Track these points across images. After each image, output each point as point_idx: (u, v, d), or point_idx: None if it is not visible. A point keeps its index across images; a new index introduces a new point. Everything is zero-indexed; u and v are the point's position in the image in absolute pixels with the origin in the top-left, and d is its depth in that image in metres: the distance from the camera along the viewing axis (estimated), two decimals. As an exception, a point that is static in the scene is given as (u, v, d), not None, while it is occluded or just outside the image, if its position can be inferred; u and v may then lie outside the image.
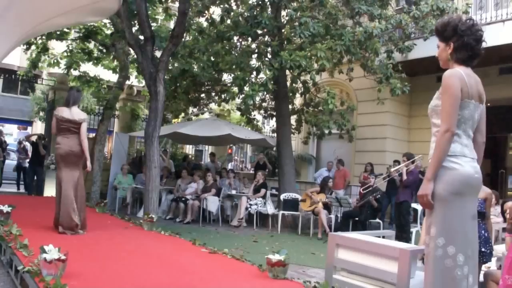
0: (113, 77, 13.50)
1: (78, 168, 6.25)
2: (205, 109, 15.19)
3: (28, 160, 13.25)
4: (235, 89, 10.31)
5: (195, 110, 15.19)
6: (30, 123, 23.70)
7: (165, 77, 9.69)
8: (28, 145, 13.76)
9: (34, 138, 12.42)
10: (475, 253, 2.70)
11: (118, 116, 15.63)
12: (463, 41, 2.77)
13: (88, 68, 13.26)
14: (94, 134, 14.50)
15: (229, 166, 17.52)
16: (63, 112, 6.20)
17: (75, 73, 13.13)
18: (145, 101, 15.93)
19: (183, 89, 12.35)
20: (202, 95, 13.57)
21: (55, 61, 12.84)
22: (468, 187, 2.69)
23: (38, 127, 21.98)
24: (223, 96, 12.77)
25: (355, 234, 4.71)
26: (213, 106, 15.55)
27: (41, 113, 19.01)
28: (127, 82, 13.31)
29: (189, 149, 18.86)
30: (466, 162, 2.72)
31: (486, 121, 2.89)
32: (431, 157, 2.71)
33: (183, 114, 14.45)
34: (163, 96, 8.66)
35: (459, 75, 2.72)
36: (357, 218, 9.31)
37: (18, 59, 22.22)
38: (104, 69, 13.61)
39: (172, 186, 11.87)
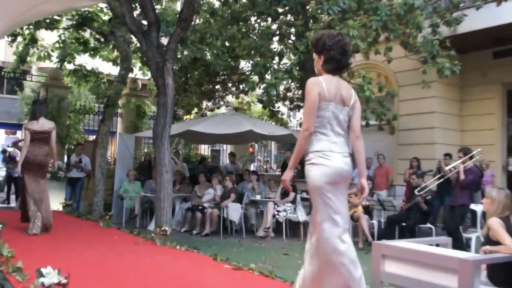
0: (114, 70, 13.57)
1: (44, 174, 8.09)
2: (221, 103, 15.25)
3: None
4: (255, 78, 10.29)
5: (209, 104, 15.24)
6: (19, 126, 24.06)
7: (174, 67, 9.72)
8: (17, 152, 13.96)
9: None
10: (346, 221, 3.69)
11: (122, 115, 15.81)
12: (330, 54, 3.73)
13: (85, 60, 13.35)
14: (94, 137, 14.68)
15: (252, 168, 17.52)
16: (33, 125, 7.93)
17: (69, 66, 13.25)
18: (151, 96, 16.04)
19: (195, 81, 12.40)
20: (217, 86, 13.61)
21: (46, 54, 12.92)
22: (339, 177, 3.64)
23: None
24: (241, 86, 12.79)
25: (403, 242, 4.62)
26: (230, 98, 15.57)
27: None
28: (130, 75, 13.36)
29: (204, 150, 18.96)
30: (335, 156, 3.66)
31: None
32: (294, 151, 3.74)
33: (196, 110, 14.50)
34: (172, 89, 8.67)
35: (317, 82, 3.67)
36: (404, 224, 9.21)
37: (2, 53, 22.61)
38: (103, 61, 13.72)
39: (187, 193, 11.93)
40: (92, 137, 15.98)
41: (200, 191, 11.61)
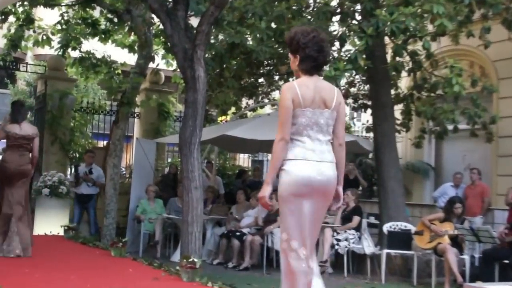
0: (130, 59, 13.76)
1: (25, 186, 8.64)
2: (266, 100, 15.27)
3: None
4: (309, 68, 10.19)
5: (251, 102, 15.29)
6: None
7: (206, 55, 9.77)
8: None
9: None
10: (312, 246, 4.39)
11: (140, 115, 16.00)
12: (306, 53, 4.35)
13: (94, 46, 13.46)
14: (105, 143, 14.89)
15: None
16: (15, 128, 8.40)
17: (74, 54, 13.38)
18: (177, 92, 16.18)
19: (232, 73, 12.46)
20: (261, 79, 13.62)
21: (45, 37, 13.06)
22: (307, 188, 4.25)
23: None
24: (291, 80, 12.69)
25: (506, 285, 4.52)
26: (277, 95, 15.59)
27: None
28: (151, 65, 13.44)
29: (244, 160, 19.04)
30: (307, 165, 4.27)
31: None
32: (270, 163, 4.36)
33: (233, 109, 14.55)
34: (204, 83, 8.72)
35: (290, 89, 4.34)
36: (506, 261, 9.02)
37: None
38: (116, 47, 13.86)
39: (222, 215, 12.00)
40: (102, 143, 16.22)
41: (238, 213, 11.67)
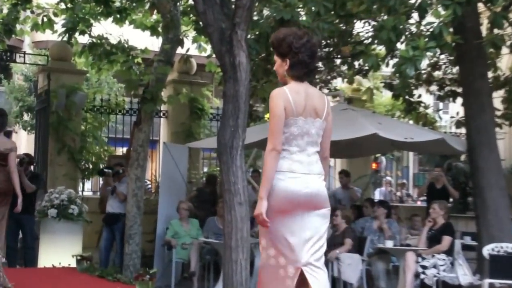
0: (153, 43, 13.85)
1: (5, 208, 9.54)
2: (325, 91, 15.12)
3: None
4: (380, 49, 10.19)
5: None
6: (6, 134, 24.93)
7: (249, 36, 9.81)
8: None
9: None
10: (302, 262, 4.88)
11: (167, 114, 16.19)
12: (298, 58, 4.95)
13: (107, 29, 13.37)
14: (124, 150, 15.12)
15: (377, 195, 17.38)
16: None
17: (82, 39, 13.41)
18: (214, 84, 16.25)
19: None
20: (318, 64, 13.58)
21: (46, 19, 13.09)
22: (292, 203, 4.86)
23: (21, 142, 22.94)
24: (357, 64, 12.74)
25: None
26: (339, 84, 15.56)
27: (26, 116, 19.91)
28: (179, 51, 13.48)
29: (299, 168, 18.95)
30: (292, 178, 4.89)
31: None
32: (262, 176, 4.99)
33: (284, 103, 14.53)
34: (247, 71, 8.68)
35: (282, 95, 4.91)
36: None
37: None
38: (135, 30, 13.92)
39: None
40: (121, 150, 16.45)
41: None
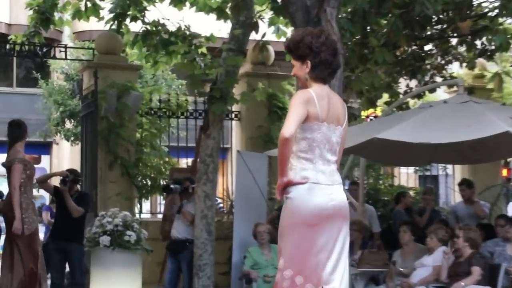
0: (221, 29, 14.05)
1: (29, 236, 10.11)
2: (438, 80, 15.11)
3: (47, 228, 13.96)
4: (510, 23, 9.78)
5: (413, 84, 15.22)
6: (45, 147, 25.14)
7: (340, 14, 9.64)
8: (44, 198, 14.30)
9: (57, 182, 12.90)
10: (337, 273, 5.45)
11: (240, 116, 16.12)
12: (321, 58, 5.47)
13: (164, 13, 13.64)
14: (189, 161, 14.99)
15: (510, 211, 17.02)
16: None
17: (134, 27, 13.66)
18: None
19: (382, 39, 12.39)
20: (429, 47, 13.24)
21: (90, 5, 13.35)
22: (317, 217, 5.33)
23: (64, 155, 23.19)
24: (478, 43, 12.34)
25: None
26: (456, 69, 15.17)
27: (68, 123, 20.18)
28: (252, 37, 13.51)
29: (408, 178, 18.87)
30: (320, 190, 5.37)
31: None
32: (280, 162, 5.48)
33: (386, 97, 14.46)
34: (340, 59, 8.43)
35: (309, 98, 5.37)
36: None
37: (6, 10, 23.70)
38: (198, 14, 14.03)
39: (379, 266, 11.90)
40: (185, 162, 16.29)
41: (404, 262, 11.57)
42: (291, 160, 5.46)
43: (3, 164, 10.46)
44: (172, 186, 13.24)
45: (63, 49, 16.18)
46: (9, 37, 14.78)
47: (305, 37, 5.52)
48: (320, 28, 5.89)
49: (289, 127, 5.25)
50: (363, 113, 15.39)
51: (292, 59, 5.67)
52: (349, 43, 11.93)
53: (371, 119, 15.09)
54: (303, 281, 5.28)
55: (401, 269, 11.38)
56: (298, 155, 5.43)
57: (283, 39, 13.72)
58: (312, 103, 5.36)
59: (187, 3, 13.69)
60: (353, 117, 14.26)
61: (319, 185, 5.36)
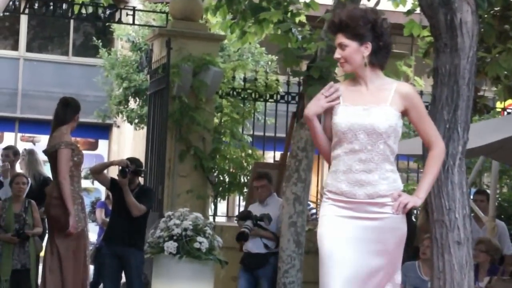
0: None
1: (71, 240, 10.23)
2: None
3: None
4: None
5: None
6: (103, 130, 25.57)
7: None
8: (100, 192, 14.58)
9: (115, 173, 13.21)
10: None
11: (341, 101, 16.13)
12: (385, 41, 5.61)
13: None
14: (279, 154, 15.48)
15: None
16: None
17: None
18: (415, 54, 16.10)
19: None
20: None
21: None
22: None
23: (125, 141, 23.64)
24: None
25: None
26: None
27: (133, 102, 20.52)
28: (363, 4, 13.44)
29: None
30: None
31: None
32: (428, 175, 5.73)
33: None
34: (473, 36, 8.59)
35: None
36: None
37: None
38: None
39: None
40: (272, 155, 16.52)
41: None
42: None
43: (44, 151, 10.54)
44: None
45: (130, 12, 16.43)
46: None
47: (367, 13, 5.59)
48: (372, 8, 6.01)
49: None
50: (499, 105, 15.37)
51: (344, 38, 5.62)
52: (486, 15, 11.91)
53: (508, 113, 15.05)
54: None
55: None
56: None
57: (401, 8, 13.83)
58: None
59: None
60: (485, 109, 14.24)
61: None
